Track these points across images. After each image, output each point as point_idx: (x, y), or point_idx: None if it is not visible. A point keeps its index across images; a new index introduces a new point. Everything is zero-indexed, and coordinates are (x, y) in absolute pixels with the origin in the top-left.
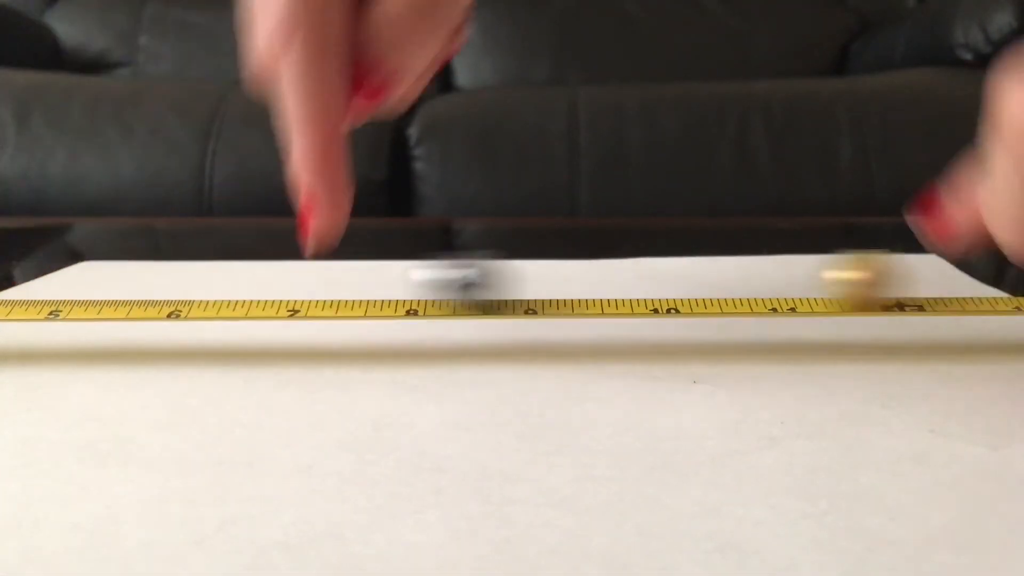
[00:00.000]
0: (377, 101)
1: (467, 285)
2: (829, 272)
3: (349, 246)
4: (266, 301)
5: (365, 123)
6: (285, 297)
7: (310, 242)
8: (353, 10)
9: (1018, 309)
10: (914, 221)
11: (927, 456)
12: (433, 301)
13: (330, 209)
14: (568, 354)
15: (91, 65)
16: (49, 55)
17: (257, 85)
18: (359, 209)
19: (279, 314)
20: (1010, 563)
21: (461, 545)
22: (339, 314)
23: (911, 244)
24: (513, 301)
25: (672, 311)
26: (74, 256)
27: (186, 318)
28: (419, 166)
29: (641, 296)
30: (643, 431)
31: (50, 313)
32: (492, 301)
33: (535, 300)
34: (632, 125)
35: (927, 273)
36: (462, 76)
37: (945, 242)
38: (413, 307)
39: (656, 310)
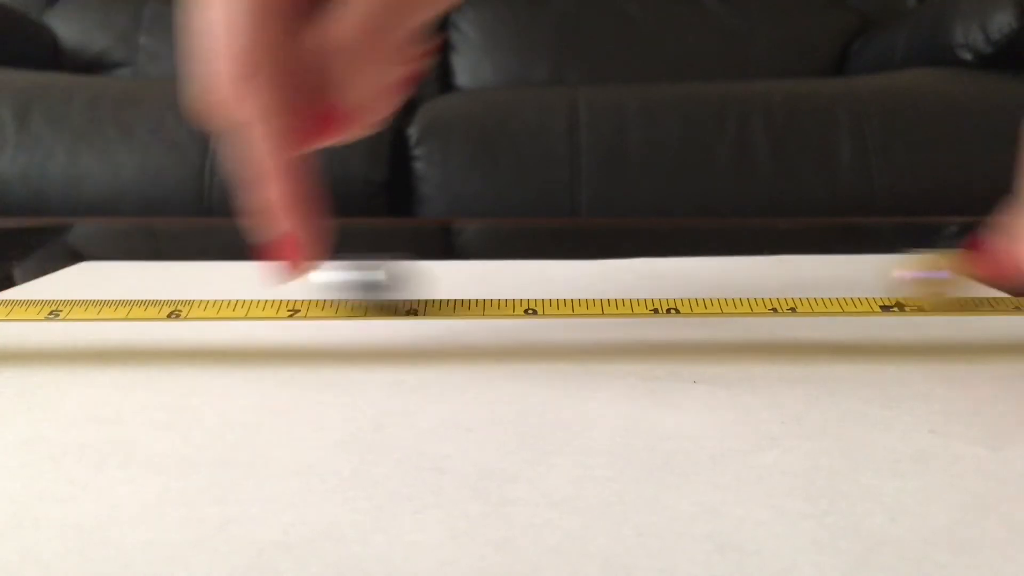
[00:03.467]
0: (334, 132)
1: (372, 286)
2: (901, 271)
3: (349, 246)
4: (266, 301)
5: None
6: (285, 297)
7: (272, 278)
8: (302, 42)
9: (1018, 309)
10: (965, 261)
11: (927, 456)
12: (433, 301)
13: (297, 246)
14: (568, 354)
15: (91, 65)
16: (49, 55)
17: (215, 125)
18: (359, 209)
19: (279, 314)
20: (1010, 563)
21: (461, 545)
22: (339, 314)
23: (911, 244)
24: (507, 300)
25: (672, 311)
26: (74, 256)
27: (186, 318)
28: (419, 166)
29: (641, 296)
30: (643, 431)
31: (50, 313)
32: (396, 302)
33: (535, 300)
34: (632, 125)
35: None
36: (462, 76)
37: (996, 279)
38: (413, 306)
39: (656, 310)
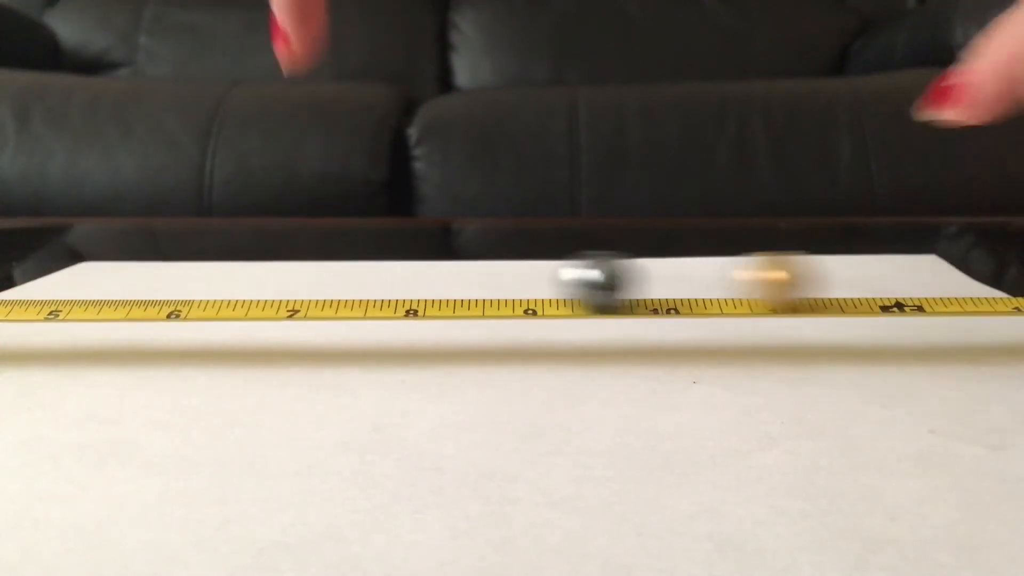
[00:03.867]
0: None
1: (598, 285)
2: (741, 273)
3: (350, 246)
4: (266, 301)
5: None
6: (285, 297)
7: (282, 58)
8: None
9: (1017, 309)
10: (929, 101)
11: (927, 456)
12: (433, 301)
13: (298, 24)
14: (568, 354)
15: (91, 65)
16: (49, 55)
17: None
18: (359, 209)
19: (279, 314)
20: (1010, 563)
21: (461, 545)
22: (339, 314)
23: (911, 244)
24: (506, 301)
25: (672, 311)
26: (74, 256)
27: (186, 318)
28: (419, 166)
29: (641, 296)
30: (643, 431)
31: (50, 313)
32: (622, 302)
33: (535, 300)
34: (632, 125)
35: (927, 273)
36: (462, 76)
37: (967, 105)
38: (413, 307)
39: (656, 310)
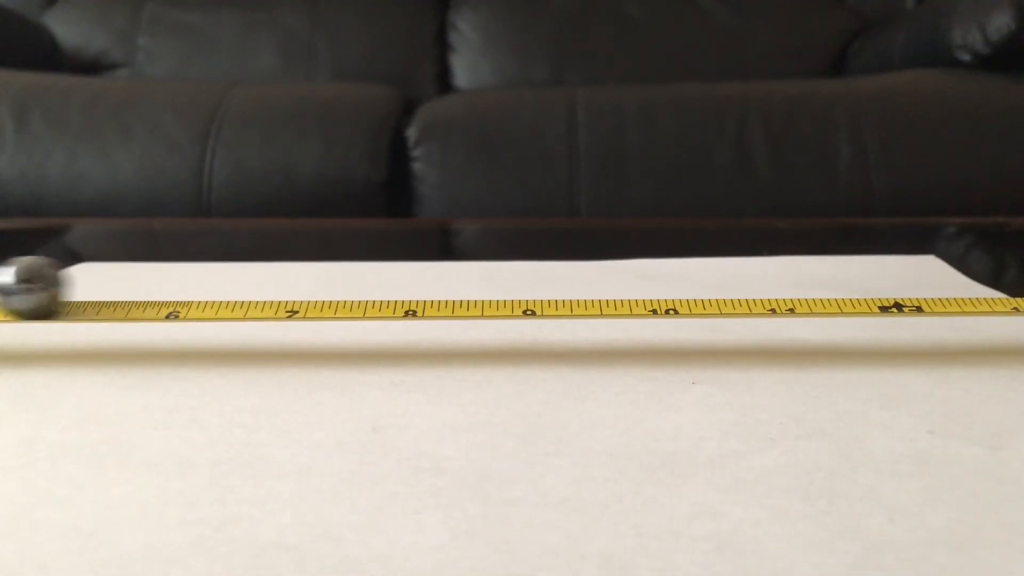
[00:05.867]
0: None
1: (10, 290)
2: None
3: (349, 246)
4: (265, 301)
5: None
6: (284, 297)
7: None
8: None
9: (1016, 310)
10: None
11: (927, 456)
12: (432, 301)
13: None
14: (567, 354)
15: (90, 66)
16: (47, 56)
17: None
18: (358, 210)
19: (278, 314)
20: (1010, 564)
21: (460, 545)
22: (338, 314)
23: (910, 245)
24: (505, 301)
25: (671, 311)
26: (73, 257)
27: (185, 319)
28: (418, 167)
29: (640, 296)
30: (642, 432)
31: None
32: (48, 305)
33: (534, 300)
34: (631, 126)
35: (925, 274)
36: (461, 77)
37: None
38: (412, 307)
39: (655, 310)
